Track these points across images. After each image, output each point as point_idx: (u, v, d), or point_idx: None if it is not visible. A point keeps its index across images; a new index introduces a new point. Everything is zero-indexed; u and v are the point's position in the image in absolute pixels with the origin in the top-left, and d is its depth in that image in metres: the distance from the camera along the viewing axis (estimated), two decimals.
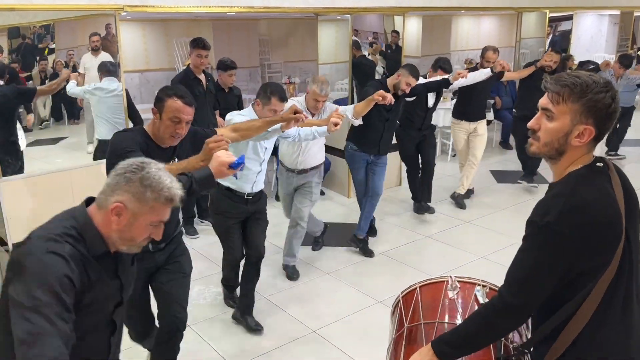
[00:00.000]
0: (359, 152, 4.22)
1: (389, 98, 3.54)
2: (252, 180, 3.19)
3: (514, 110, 6.12)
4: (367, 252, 4.32)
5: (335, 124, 3.18)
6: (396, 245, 4.50)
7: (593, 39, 12.88)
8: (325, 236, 4.49)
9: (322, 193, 5.79)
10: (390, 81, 4.18)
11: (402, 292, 1.96)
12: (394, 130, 4.43)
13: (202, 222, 4.97)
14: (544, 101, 1.45)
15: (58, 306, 1.31)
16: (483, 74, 4.80)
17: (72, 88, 3.98)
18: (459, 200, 5.33)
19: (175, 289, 2.51)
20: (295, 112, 2.76)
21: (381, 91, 3.54)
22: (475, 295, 1.84)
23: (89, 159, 4.10)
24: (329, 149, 5.20)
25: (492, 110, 7.47)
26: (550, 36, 11.95)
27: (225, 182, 3.12)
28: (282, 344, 3.18)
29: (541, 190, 5.62)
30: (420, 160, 4.98)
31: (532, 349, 1.58)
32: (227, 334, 3.30)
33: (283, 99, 3.18)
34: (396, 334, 1.86)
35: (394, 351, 1.81)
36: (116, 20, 3.75)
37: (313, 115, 3.69)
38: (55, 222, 1.51)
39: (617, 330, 1.43)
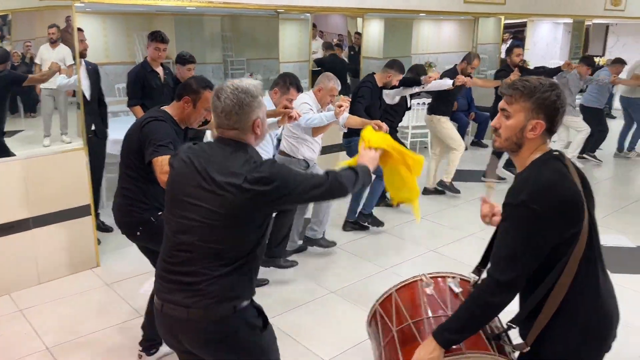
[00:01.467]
0: None
1: (385, 128, 4.07)
2: None
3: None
4: (379, 222, 4.79)
5: (340, 106, 3.54)
6: (352, 239, 4.62)
7: (548, 46, 13.38)
8: None
9: None
10: (380, 79, 4.70)
11: (377, 301, 2.01)
12: None
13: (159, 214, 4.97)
14: (501, 104, 1.69)
15: None
16: (445, 84, 5.22)
17: (61, 81, 4.00)
18: (451, 188, 5.73)
19: None
20: (286, 107, 3.11)
21: (378, 121, 4.07)
22: (450, 286, 1.92)
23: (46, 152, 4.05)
24: None
25: None
26: (510, 42, 12.39)
27: None
28: None
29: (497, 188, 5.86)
30: None
31: (518, 328, 1.70)
32: None
33: (300, 89, 3.64)
34: (384, 340, 1.89)
35: (389, 357, 1.83)
36: (73, 12, 3.73)
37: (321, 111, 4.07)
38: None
39: (597, 297, 1.62)
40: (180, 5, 4.52)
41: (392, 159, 2.16)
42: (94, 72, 4.31)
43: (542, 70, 6.66)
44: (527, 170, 1.65)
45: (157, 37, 4.42)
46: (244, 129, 1.78)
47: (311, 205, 4.33)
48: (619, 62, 7.20)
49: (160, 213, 2.67)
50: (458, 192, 5.74)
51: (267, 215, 1.78)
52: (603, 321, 1.64)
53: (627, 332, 3.29)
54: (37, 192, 3.67)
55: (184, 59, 4.67)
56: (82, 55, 4.11)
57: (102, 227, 4.61)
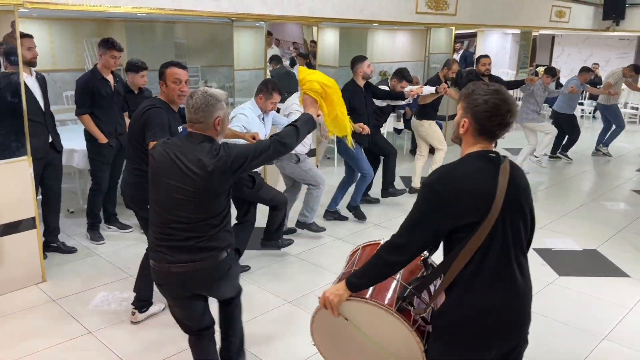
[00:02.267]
0: (356, 142, 4.95)
1: (367, 130, 4.73)
2: None
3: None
4: (363, 216, 5.30)
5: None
6: (308, 248, 4.62)
7: (498, 56, 13.82)
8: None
9: None
10: (357, 79, 5.18)
11: (350, 252, 2.43)
12: None
13: (108, 227, 4.83)
14: None
15: None
16: (428, 91, 5.70)
17: None
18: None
19: None
20: (254, 137, 3.59)
21: (361, 124, 4.73)
22: None
23: None
24: None
25: (402, 119, 7.84)
26: (462, 51, 12.72)
27: None
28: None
29: None
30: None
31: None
32: (132, 339, 3.25)
33: (281, 93, 4.06)
34: (337, 282, 2.18)
35: None
36: (16, 17, 3.59)
37: None
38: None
39: (485, 289, 1.73)
40: (131, 12, 4.42)
41: (323, 105, 2.56)
42: (43, 82, 4.14)
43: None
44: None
45: (114, 46, 4.30)
46: (207, 123, 2.25)
47: (303, 192, 4.76)
48: (586, 71, 8.00)
49: None
50: None
51: (232, 183, 2.29)
52: (488, 314, 1.73)
53: (570, 332, 3.42)
54: None
55: (137, 67, 4.56)
56: (32, 64, 3.94)
57: (63, 249, 4.37)
